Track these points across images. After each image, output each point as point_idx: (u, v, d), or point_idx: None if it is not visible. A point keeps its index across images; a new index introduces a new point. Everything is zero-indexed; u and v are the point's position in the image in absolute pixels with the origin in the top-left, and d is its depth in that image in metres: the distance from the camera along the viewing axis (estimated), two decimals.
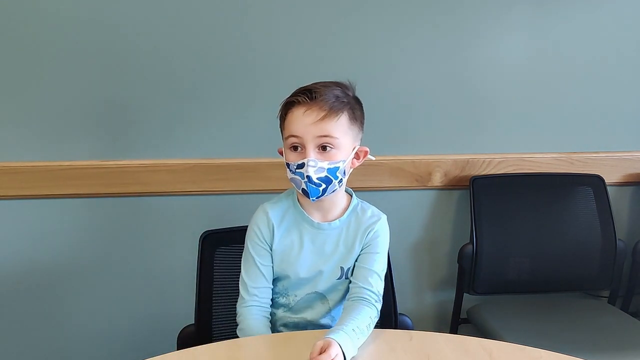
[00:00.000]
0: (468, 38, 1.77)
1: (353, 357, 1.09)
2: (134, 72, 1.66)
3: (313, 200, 1.20)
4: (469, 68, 1.79)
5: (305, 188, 1.18)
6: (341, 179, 1.21)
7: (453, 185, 1.87)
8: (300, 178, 1.18)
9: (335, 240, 1.26)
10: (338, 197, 1.26)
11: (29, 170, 1.67)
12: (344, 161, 1.19)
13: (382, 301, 1.25)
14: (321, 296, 1.29)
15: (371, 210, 1.30)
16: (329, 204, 1.25)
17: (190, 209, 1.77)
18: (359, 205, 1.30)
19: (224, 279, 1.41)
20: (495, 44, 1.79)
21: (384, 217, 1.30)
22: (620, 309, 1.88)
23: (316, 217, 1.27)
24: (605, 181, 1.86)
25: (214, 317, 1.42)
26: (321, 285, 1.27)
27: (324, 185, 1.18)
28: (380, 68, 1.75)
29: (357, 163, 1.26)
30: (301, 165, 1.17)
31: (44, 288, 1.79)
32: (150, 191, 1.74)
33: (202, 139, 1.73)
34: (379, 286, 1.25)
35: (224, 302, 1.42)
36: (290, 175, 1.20)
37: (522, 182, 1.87)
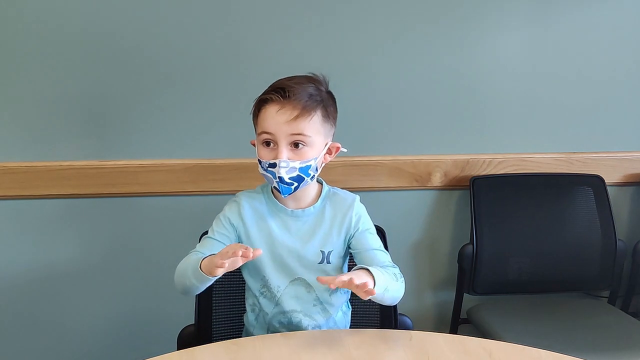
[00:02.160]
0: (468, 37, 1.77)
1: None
2: (133, 73, 1.66)
3: (285, 197, 1.23)
4: (468, 68, 1.79)
5: (277, 187, 1.21)
6: (313, 175, 1.23)
7: (453, 185, 1.87)
8: (272, 177, 1.20)
9: (312, 225, 1.28)
10: (310, 186, 1.28)
11: (28, 170, 1.67)
12: (316, 159, 1.22)
13: (396, 265, 1.27)
14: (305, 283, 1.28)
15: (343, 192, 1.33)
16: (301, 193, 1.26)
17: (190, 209, 1.77)
18: (330, 191, 1.33)
19: (224, 279, 1.41)
20: (495, 43, 1.79)
21: (357, 197, 1.33)
22: (620, 309, 1.88)
23: (290, 206, 1.28)
24: (605, 181, 1.86)
25: (214, 317, 1.43)
26: (302, 271, 1.27)
27: (295, 184, 1.21)
28: (380, 67, 1.75)
29: (329, 158, 1.28)
30: (273, 165, 1.18)
31: (43, 288, 1.78)
32: (150, 191, 1.74)
33: (201, 139, 1.73)
34: (386, 257, 1.27)
35: (224, 302, 1.42)
36: (261, 171, 1.22)
37: (522, 182, 1.87)
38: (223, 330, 1.42)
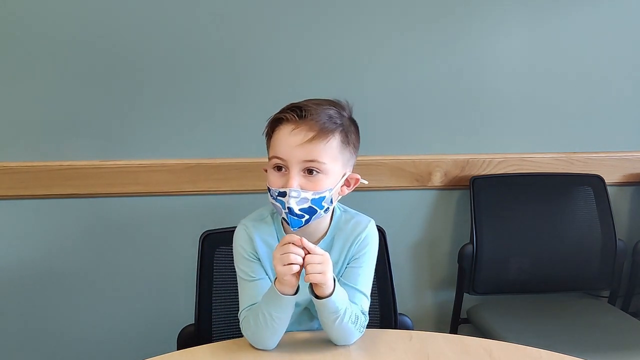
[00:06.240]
0: (468, 38, 1.77)
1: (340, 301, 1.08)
2: (134, 73, 1.66)
3: (294, 230, 1.10)
4: (469, 68, 1.79)
5: (286, 218, 1.09)
6: (327, 207, 1.11)
7: (453, 185, 1.87)
8: (281, 206, 1.08)
9: None
10: (324, 217, 1.15)
11: (28, 170, 1.67)
12: (331, 190, 1.09)
13: (368, 317, 1.18)
14: (308, 313, 1.22)
15: (357, 218, 1.20)
16: (314, 226, 1.15)
17: (190, 209, 1.77)
18: (342, 217, 1.20)
19: (224, 279, 1.41)
20: (496, 43, 1.79)
21: (371, 223, 1.21)
22: (620, 309, 1.88)
23: None
24: (605, 181, 1.86)
25: (214, 317, 1.42)
26: (309, 303, 1.19)
27: (307, 216, 1.09)
28: (380, 68, 1.75)
29: (346, 191, 1.15)
30: (282, 194, 1.07)
31: (44, 288, 1.78)
32: (150, 191, 1.74)
33: (201, 138, 1.73)
34: (364, 305, 1.17)
35: (224, 302, 1.42)
36: (270, 199, 1.11)
37: (522, 182, 1.87)
38: (223, 330, 1.42)
